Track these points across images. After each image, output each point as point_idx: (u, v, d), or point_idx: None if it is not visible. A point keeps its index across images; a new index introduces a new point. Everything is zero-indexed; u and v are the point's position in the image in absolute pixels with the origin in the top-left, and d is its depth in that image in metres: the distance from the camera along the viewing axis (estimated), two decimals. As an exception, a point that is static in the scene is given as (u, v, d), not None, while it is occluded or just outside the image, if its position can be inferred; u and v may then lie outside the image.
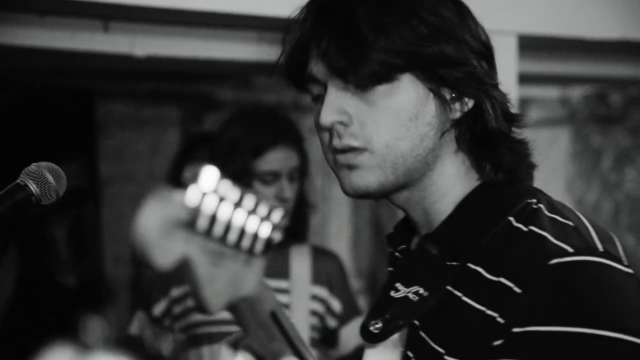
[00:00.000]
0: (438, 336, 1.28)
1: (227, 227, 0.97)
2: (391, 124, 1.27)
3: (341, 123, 1.28)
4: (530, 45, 3.14)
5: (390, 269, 1.44)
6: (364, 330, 1.31)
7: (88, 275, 4.37)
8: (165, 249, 0.91)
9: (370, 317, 1.32)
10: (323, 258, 2.83)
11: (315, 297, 2.76)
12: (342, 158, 1.30)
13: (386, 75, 1.26)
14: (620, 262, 1.20)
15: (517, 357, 1.16)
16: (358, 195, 1.31)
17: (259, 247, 1.02)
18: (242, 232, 0.99)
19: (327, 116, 1.28)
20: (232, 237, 0.98)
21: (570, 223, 1.25)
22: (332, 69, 1.28)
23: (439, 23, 1.29)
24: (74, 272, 4.09)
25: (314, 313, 2.75)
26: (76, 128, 4.25)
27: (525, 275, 1.18)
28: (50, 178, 1.40)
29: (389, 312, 1.30)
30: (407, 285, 1.30)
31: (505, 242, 1.25)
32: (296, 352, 1.12)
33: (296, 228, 2.77)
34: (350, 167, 1.30)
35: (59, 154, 3.11)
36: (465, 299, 1.25)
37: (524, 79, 3.76)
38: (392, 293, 1.31)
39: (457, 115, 1.31)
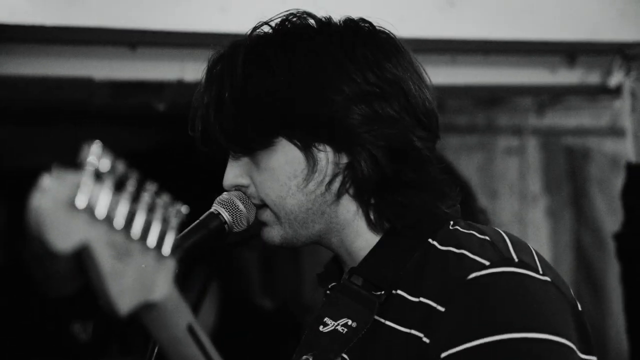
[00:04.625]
0: None
1: (130, 218, 0.93)
2: (272, 184, 1.44)
3: (241, 185, 1.48)
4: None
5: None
6: None
7: (284, 298, 4.54)
8: (62, 231, 0.87)
9: (300, 352, 1.41)
10: None
11: None
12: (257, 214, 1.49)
13: (251, 144, 1.43)
14: (535, 270, 1.31)
15: None
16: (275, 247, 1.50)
17: (167, 246, 0.98)
18: (148, 227, 0.95)
19: (226, 181, 1.49)
20: (136, 229, 0.94)
21: (487, 238, 1.36)
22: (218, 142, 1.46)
23: (291, 80, 1.39)
24: (268, 295, 4.23)
25: None
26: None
27: (446, 292, 1.29)
28: (241, 206, 1.48)
29: (319, 347, 1.39)
30: (335, 318, 1.41)
31: (425, 263, 1.36)
32: None
33: None
34: (261, 223, 1.49)
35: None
36: (390, 324, 1.35)
37: None
38: (321, 328, 1.42)
39: (334, 167, 1.41)
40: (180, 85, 2.92)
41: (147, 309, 0.99)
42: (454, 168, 2.87)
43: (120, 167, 0.93)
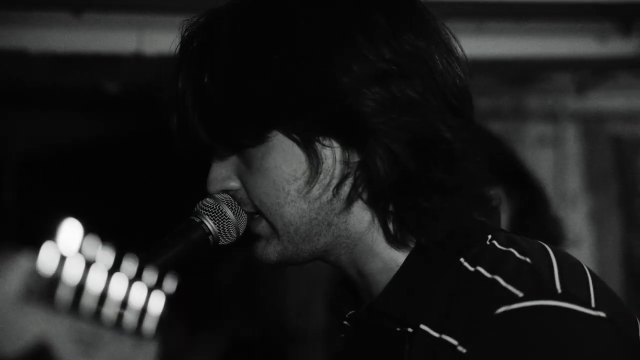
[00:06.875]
0: None
1: (101, 301, 0.94)
2: (267, 189, 1.41)
3: (229, 190, 1.46)
4: None
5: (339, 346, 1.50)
6: None
7: (264, 327, 4.55)
8: (12, 329, 0.87)
9: None
10: None
11: None
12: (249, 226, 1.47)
13: (239, 140, 1.41)
14: (585, 304, 1.28)
15: None
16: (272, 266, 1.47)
17: (149, 326, 0.98)
18: (124, 307, 0.96)
19: (209, 184, 1.46)
20: (110, 313, 0.94)
21: (527, 259, 1.33)
22: (200, 138, 1.43)
23: (286, 56, 1.37)
24: (245, 324, 4.25)
25: None
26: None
27: (470, 330, 1.28)
28: (229, 213, 1.45)
29: None
30: None
31: (453, 290, 1.35)
32: None
33: None
34: (255, 237, 1.47)
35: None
36: None
37: None
38: None
39: (343, 167, 1.39)
40: (137, 60, 2.91)
41: None
42: (524, 166, 2.83)
43: (93, 243, 0.94)
